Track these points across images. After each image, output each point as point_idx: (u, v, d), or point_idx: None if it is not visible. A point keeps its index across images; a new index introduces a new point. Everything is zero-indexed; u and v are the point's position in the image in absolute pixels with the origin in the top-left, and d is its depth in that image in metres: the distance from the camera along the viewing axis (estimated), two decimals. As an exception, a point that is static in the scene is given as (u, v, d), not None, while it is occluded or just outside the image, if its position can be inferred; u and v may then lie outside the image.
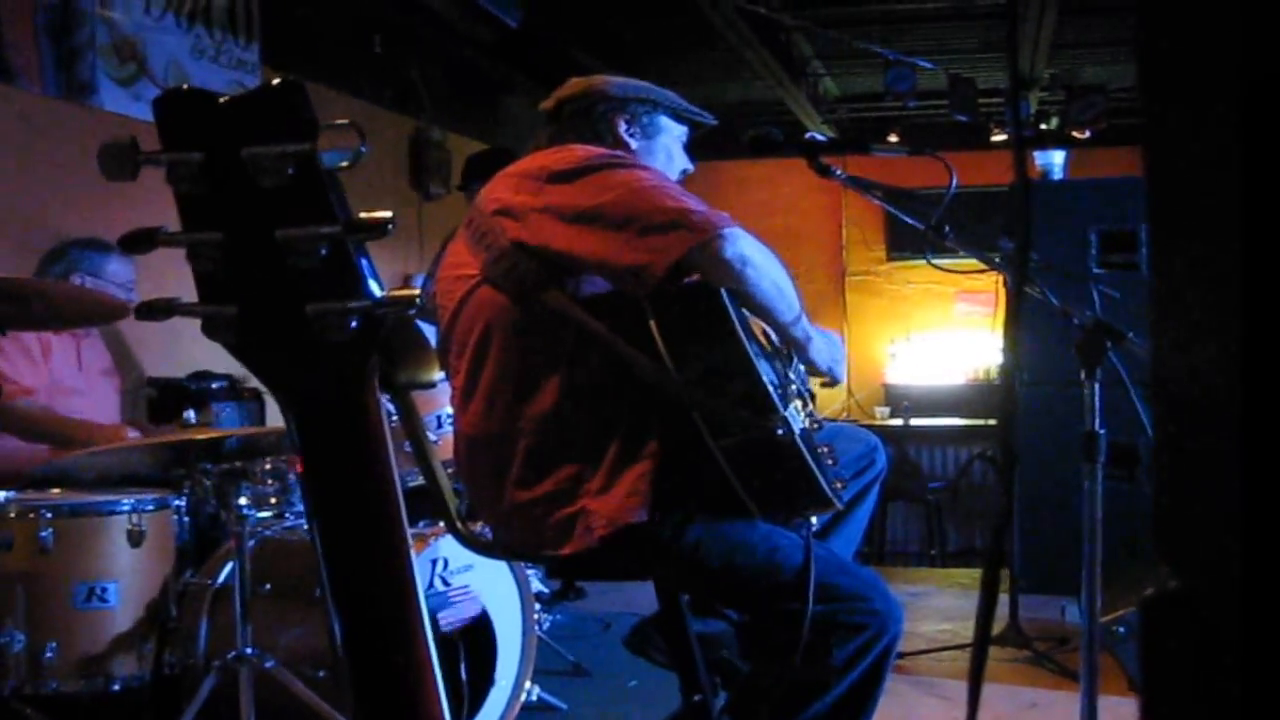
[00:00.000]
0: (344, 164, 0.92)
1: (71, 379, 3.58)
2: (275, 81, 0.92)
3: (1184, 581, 0.65)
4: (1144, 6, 0.65)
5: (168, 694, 2.92)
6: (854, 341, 8.46)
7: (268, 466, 3.05)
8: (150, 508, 2.99)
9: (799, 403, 2.03)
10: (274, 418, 4.28)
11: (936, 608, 5.02)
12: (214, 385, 4.20)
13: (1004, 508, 3.44)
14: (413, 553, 0.99)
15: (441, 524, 2.64)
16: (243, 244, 0.92)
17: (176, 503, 3.08)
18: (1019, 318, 1.51)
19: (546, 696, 3.39)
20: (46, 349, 3.51)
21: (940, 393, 8.20)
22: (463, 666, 2.92)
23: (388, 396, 1.04)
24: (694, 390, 1.89)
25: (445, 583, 2.94)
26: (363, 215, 0.93)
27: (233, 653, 2.72)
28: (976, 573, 5.77)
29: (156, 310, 0.93)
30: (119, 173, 0.91)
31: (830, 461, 2.04)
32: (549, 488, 1.97)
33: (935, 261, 2.52)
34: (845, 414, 7.98)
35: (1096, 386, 2.29)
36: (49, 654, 2.81)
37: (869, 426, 4.13)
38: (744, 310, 1.98)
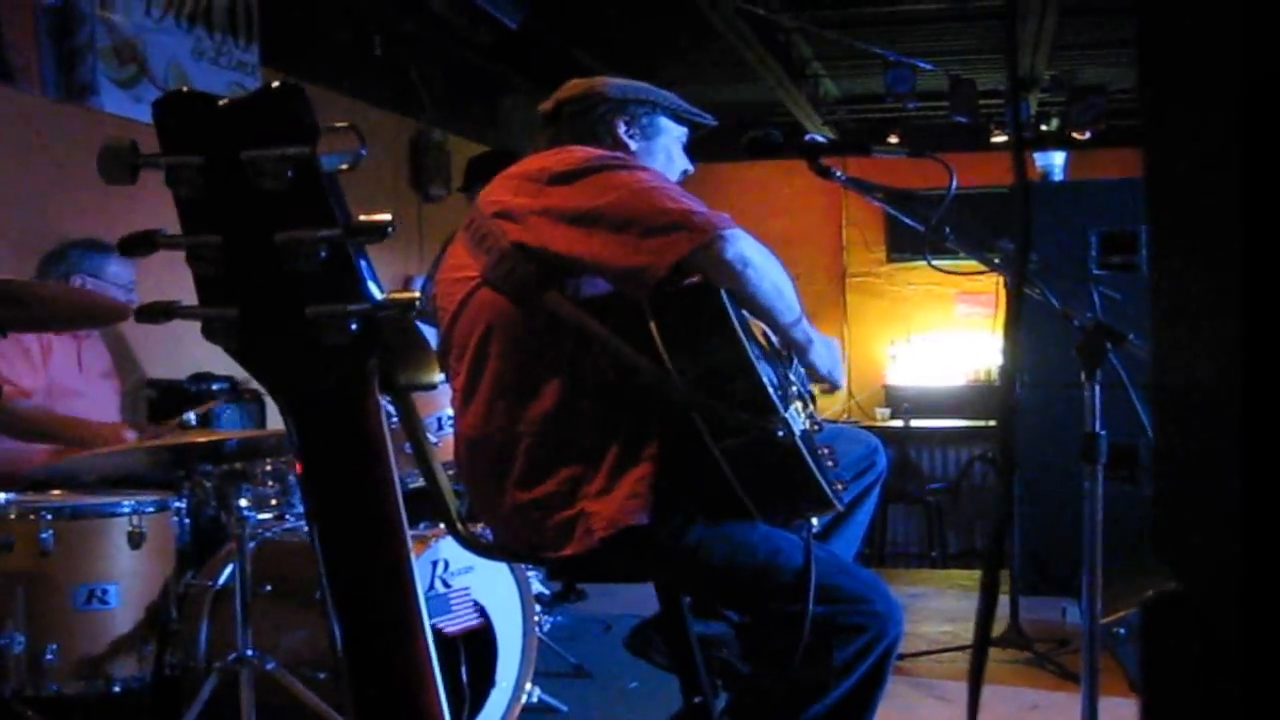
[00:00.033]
0: (343, 166, 0.93)
1: (72, 380, 3.58)
2: (275, 85, 0.92)
3: (1184, 582, 0.65)
4: (1144, 7, 0.65)
5: (168, 696, 2.92)
6: (854, 343, 8.46)
7: (268, 468, 3.05)
8: (151, 509, 2.99)
9: (799, 404, 2.03)
10: (274, 420, 4.28)
11: (937, 609, 5.01)
12: (214, 387, 4.20)
13: (1004, 509, 3.44)
14: (413, 554, 0.99)
15: (442, 526, 2.63)
16: (242, 247, 0.92)
17: (177, 504, 3.08)
18: (1019, 319, 1.51)
19: (547, 698, 3.39)
20: (47, 350, 3.51)
21: (940, 394, 8.20)
22: (463, 668, 2.92)
23: (388, 398, 1.04)
24: (694, 392, 1.89)
25: (446, 584, 2.93)
26: (362, 218, 0.93)
27: (233, 654, 2.72)
28: (977, 574, 5.76)
29: (157, 313, 0.93)
30: (118, 176, 0.91)
31: (831, 463, 2.04)
32: (549, 489, 1.97)
33: (935, 263, 2.51)
34: (846, 415, 7.98)
35: (1097, 388, 2.29)
36: (49, 656, 2.81)
37: (869, 428, 4.12)
38: (744, 312, 1.98)
